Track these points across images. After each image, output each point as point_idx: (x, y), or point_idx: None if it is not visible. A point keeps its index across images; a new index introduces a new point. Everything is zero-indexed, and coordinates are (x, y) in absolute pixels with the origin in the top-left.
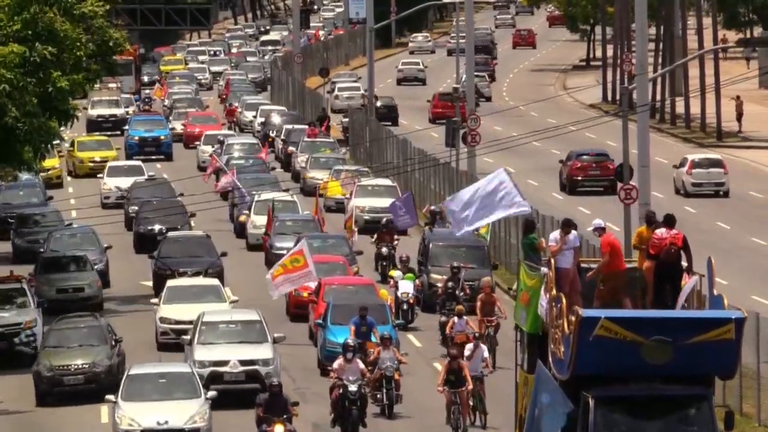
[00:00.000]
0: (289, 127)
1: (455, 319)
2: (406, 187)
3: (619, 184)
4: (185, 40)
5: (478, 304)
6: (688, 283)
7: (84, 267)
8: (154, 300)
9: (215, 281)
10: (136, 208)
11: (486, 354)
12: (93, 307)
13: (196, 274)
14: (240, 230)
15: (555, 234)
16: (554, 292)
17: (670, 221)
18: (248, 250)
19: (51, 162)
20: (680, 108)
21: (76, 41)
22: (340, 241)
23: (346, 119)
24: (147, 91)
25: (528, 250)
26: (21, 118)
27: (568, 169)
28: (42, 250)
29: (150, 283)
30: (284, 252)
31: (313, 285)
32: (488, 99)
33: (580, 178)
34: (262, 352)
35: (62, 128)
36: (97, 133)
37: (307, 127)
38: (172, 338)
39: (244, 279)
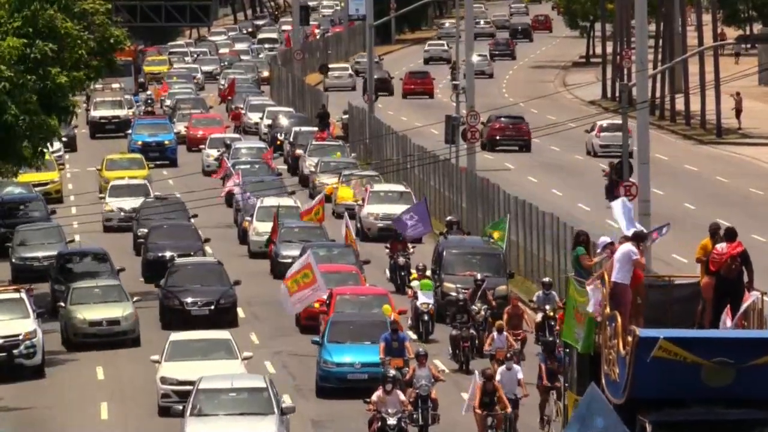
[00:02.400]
0: (297, 129)
1: (495, 334)
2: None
3: (620, 182)
4: (184, 37)
5: (505, 317)
6: (747, 299)
7: (119, 297)
8: (155, 357)
9: (226, 334)
10: (145, 230)
11: (521, 375)
12: (129, 342)
13: (207, 304)
14: (243, 236)
15: (630, 246)
16: (608, 309)
17: (731, 235)
18: (250, 257)
19: (50, 175)
20: (680, 105)
21: (77, 39)
22: (346, 250)
23: (346, 116)
24: (148, 92)
25: (576, 264)
26: (20, 115)
27: (488, 129)
28: (50, 271)
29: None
30: (290, 260)
31: (325, 296)
32: (490, 76)
33: (498, 137)
34: (267, 426)
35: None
36: (114, 145)
37: (316, 129)
38: (174, 401)
39: (247, 286)
